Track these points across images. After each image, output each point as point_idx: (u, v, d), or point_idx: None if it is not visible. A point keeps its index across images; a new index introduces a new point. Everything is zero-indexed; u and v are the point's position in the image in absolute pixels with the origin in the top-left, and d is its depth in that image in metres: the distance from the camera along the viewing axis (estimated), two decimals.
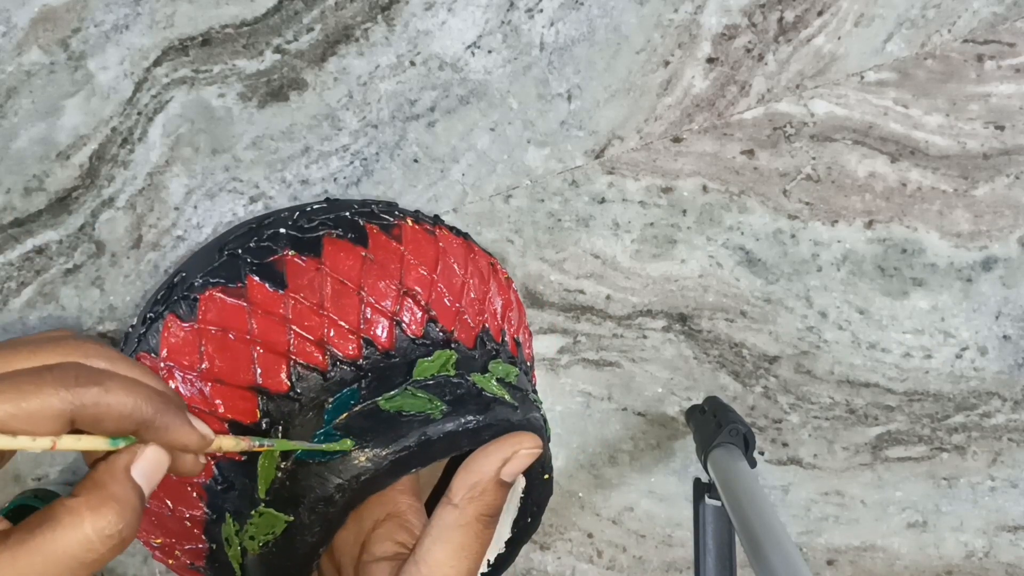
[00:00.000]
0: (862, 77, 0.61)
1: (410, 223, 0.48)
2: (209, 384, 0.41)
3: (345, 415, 0.39)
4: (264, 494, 0.38)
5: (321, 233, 0.45)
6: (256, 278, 0.43)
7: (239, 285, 0.43)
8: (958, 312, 0.63)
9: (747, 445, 0.54)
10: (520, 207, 0.63)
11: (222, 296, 0.43)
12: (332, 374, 0.41)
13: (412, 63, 0.60)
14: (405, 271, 0.44)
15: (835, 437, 0.64)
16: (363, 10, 0.59)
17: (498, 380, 0.43)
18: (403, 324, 0.43)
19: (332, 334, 0.41)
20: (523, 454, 0.34)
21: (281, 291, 0.42)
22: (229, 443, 0.28)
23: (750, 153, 0.62)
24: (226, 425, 0.41)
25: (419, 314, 0.43)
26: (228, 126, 0.60)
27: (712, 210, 0.63)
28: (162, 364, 0.43)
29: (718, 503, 0.52)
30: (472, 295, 0.47)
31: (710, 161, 0.62)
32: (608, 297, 0.63)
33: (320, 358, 0.41)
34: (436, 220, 0.53)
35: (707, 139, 0.62)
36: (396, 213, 0.49)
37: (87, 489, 0.23)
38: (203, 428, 0.26)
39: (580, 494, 0.65)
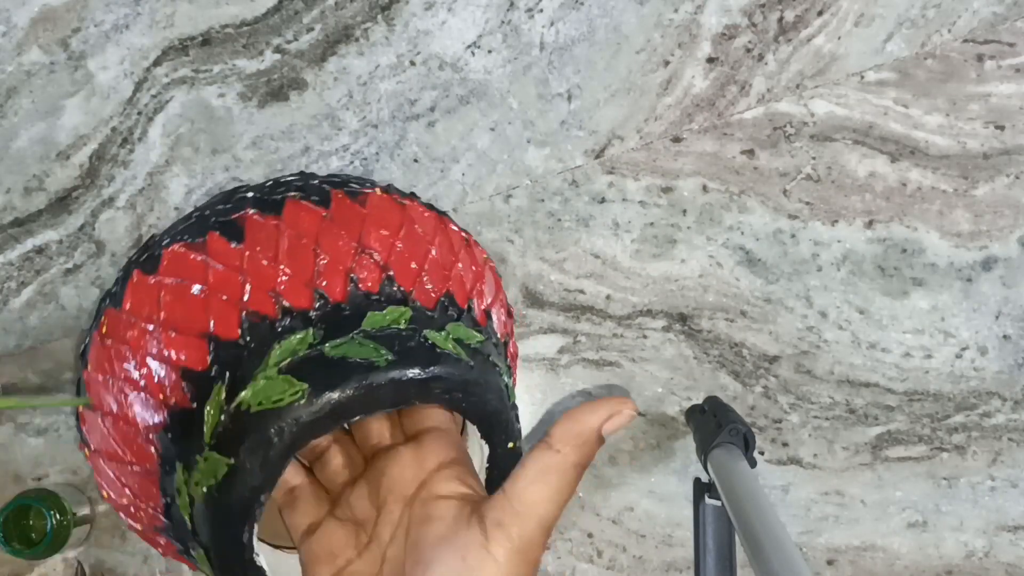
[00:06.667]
0: (862, 77, 0.61)
1: (379, 192, 0.48)
2: (165, 332, 0.42)
3: (289, 359, 0.39)
4: (209, 438, 0.38)
5: (285, 195, 0.46)
6: (216, 233, 0.44)
7: (200, 240, 0.44)
8: (958, 312, 0.63)
9: (747, 445, 0.54)
10: (520, 207, 0.63)
11: (184, 250, 0.44)
12: (282, 322, 0.41)
13: (412, 63, 0.60)
14: (365, 232, 0.45)
15: (835, 437, 0.64)
16: (363, 10, 0.59)
17: (456, 340, 0.43)
18: (357, 279, 0.43)
19: (283, 286, 0.42)
20: (625, 414, 0.34)
21: (239, 244, 0.43)
22: None
23: (750, 153, 0.62)
24: (179, 371, 0.41)
25: (375, 271, 0.44)
26: (228, 126, 0.60)
27: (712, 210, 0.63)
28: (124, 316, 0.44)
29: (718, 503, 0.52)
30: (437, 261, 0.46)
31: (710, 161, 0.62)
32: (608, 297, 0.63)
33: (271, 307, 0.41)
34: (412, 196, 0.53)
35: (707, 139, 0.62)
36: (367, 184, 0.49)
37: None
38: None
39: (580, 494, 0.65)
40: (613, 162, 0.62)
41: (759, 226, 0.63)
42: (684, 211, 0.63)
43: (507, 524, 0.32)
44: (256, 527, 0.38)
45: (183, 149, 0.60)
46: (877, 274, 0.63)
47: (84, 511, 0.62)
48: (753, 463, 0.53)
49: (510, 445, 0.43)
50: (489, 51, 0.60)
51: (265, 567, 0.39)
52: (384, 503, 0.38)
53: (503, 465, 0.43)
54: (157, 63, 0.59)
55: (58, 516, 0.59)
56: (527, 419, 0.64)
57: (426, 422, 0.41)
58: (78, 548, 0.63)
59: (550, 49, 0.60)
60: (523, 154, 0.62)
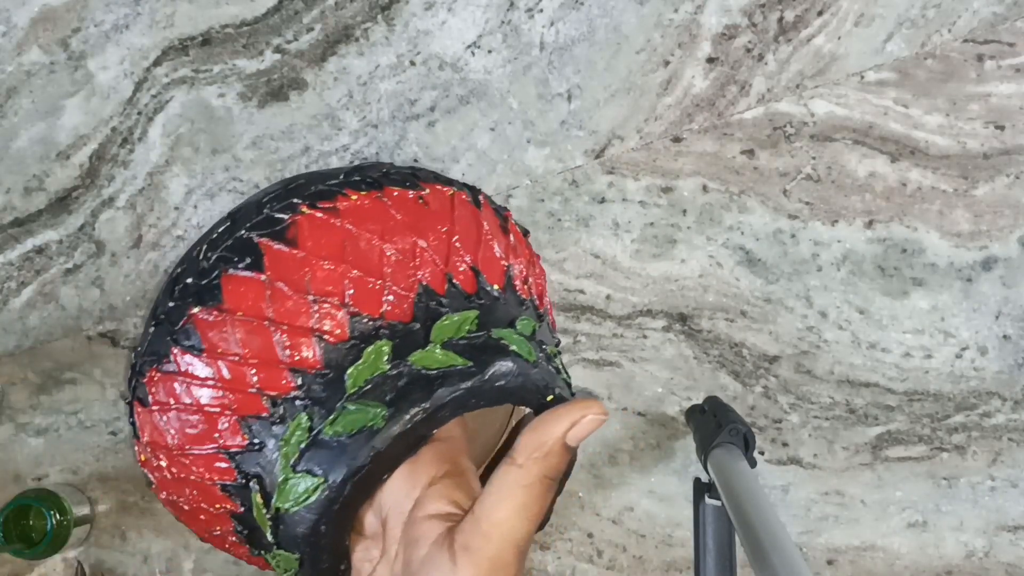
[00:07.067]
0: (862, 77, 0.61)
1: (306, 212, 0.44)
2: (185, 458, 0.42)
3: (296, 454, 0.39)
4: (272, 537, 0.40)
5: (218, 272, 0.43)
6: (176, 349, 0.43)
7: (168, 362, 0.43)
8: (958, 312, 0.63)
9: (747, 445, 0.54)
10: (520, 207, 0.63)
11: (161, 376, 0.43)
12: (275, 414, 0.40)
13: (412, 63, 0.60)
14: (311, 277, 0.42)
15: (835, 437, 0.64)
16: (363, 10, 0.59)
17: (444, 345, 0.41)
18: (324, 336, 0.41)
19: (259, 379, 0.40)
20: (590, 419, 0.34)
21: (201, 353, 0.42)
22: None
23: (750, 153, 0.62)
24: (219, 487, 0.42)
25: (339, 315, 0.41)
26: (228, 126, 0.60)
27: (712, 210, 0.63)
28: (147, 448, 0.45)
29: (718, 503, 0.52)
30: (396, 259, 0.43)
31: (710, 161, 0.62)
32: (608, 297, 0.63)
33: (260, 405, 0.40)
34: (348, 183, 0.47)
35: (707, 139, 0.62)
36: (294, 203, 0.45)
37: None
38: None
39: (580, 494, 0.65)
40: (613, 162, 0.62)
41: (759, 226, 0.63)
42: (684, 211, 0.63)
43: (473, 546, 0.32)
44: None
45: (183, 149, 0.60)
46: (877, 274, 0.63)
47: (84, 511, 0.62)
48: (753, 463, 0.53)
49: (549, 398, 0.42)
50: (489, 51, 0.60)
51: None
52: (387, 519, 0.38)
53: None
54: (157, 63, 0.59)
55: (58, 516, 0.59)
56: None
57: None
58: (78, 548, 0.63)
59: (550, 49, 0.60)
60: (523, 154, 0.62)
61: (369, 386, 0.39)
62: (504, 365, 0.40)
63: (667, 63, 0.61)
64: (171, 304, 0.44)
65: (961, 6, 0.60)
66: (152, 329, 0.44)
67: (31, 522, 0.61)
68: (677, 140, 0.62)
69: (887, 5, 0.60)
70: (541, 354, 0.43)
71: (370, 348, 0.40)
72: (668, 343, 0.64)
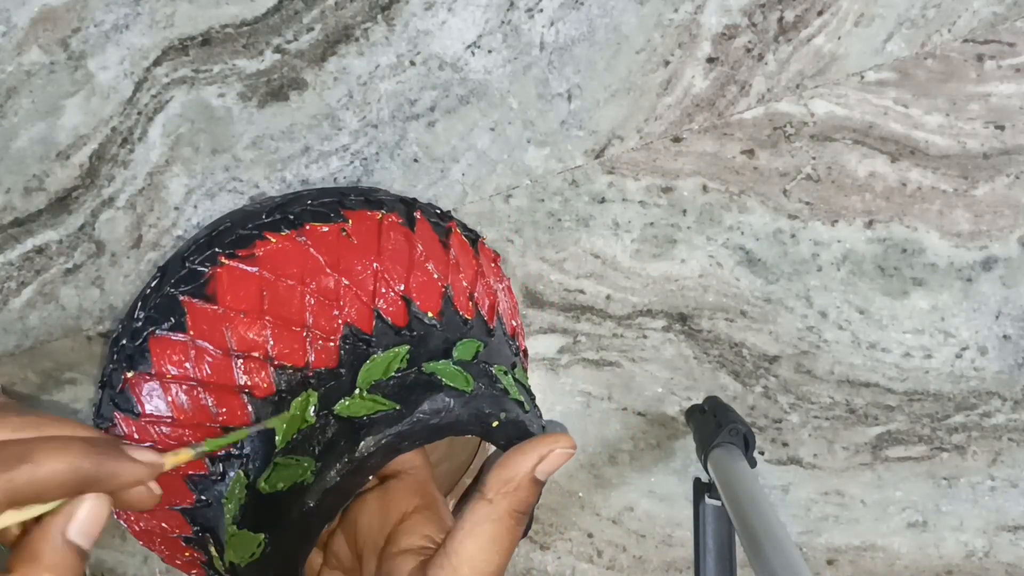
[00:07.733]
0: (862, 77, 0.61)
1: (225, 263, 0.43)
2: (148, 513, 0.43)
3: (237, 510, 0.39)
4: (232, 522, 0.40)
5: (146, 334, 0.42)
6: (118, 414, 0.42)
7: (112, 424, 0.43)
8: (958, 312, 0.63)
9: (747, 445, 0.54)
10: (520, 207, 0.63)
11: (121, 429, 0.43)
12: (215, 472, 0.40)
13: (412, 63, 0.60)
14: (231, 331, 0.41)
15: (835, 437, 0.64)
16: (363, 10, 0.59)
17: (372, 388, 0.40)
18: (250, 391, 0.40)
19: (191, 439, 0.40)
20: (558, 453, 0.34)
21: (139, 419, 0.41)
22: (174, 460, 0.28)
23: (750, 153, 0.62)
24: (181, 541, 0.42)
25: (263, 369, 0.40)
26: (228, 126, 0.60)
27: (712, 210, 0.63)
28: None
29: (718, 503, 0.52)
30: (315, 301, 0.42)
31: (710, 161, 0.62)
32: (608, 297, 0.63)
33: (202, 463, 0.40)
34: (270, 226, 0.45)
35: (707, 139, 0.62)
36: (214, 253, 0.44)
37: (23, 562, 0.23)
38: (147, 456, 0.25)
39: (580, 494, 0.65)
40: (613, 162, 0.62)
41: (759, 226, 0.63)
42: (684, 211, 0.63)
43: None
44: None
45: (183, 149, 0.60)
46: (877, 274, 0.63)
47: None
48: (753, 463, 0.53)
49: (495, 424, 0.41)
50: (489, 51, 0.60)
51: None
52: (362, 553, 0.38)
53: (501, 437, 0.41)
54: (157, 63, 0.59)
55: None
56: None
57: (392, 464, 0.41)
58: None
59: (550, 49, 0.60)
60: (523, 154, 0.62)
61: (298, 439, 0.39)
62: (436, 402, 0.39)
63: (667, 63, 0.61)
64: (111, 367, 0.44)
65: (961, 6, 0.60)
66: (100, 391, 0.45)
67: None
68: (677, 140, 0.62)
69: (887, 5, 0.60)
70: (484, 379, 0.41)
71: (296, 400, 0.40)
72: (668, 343, 0.64)
